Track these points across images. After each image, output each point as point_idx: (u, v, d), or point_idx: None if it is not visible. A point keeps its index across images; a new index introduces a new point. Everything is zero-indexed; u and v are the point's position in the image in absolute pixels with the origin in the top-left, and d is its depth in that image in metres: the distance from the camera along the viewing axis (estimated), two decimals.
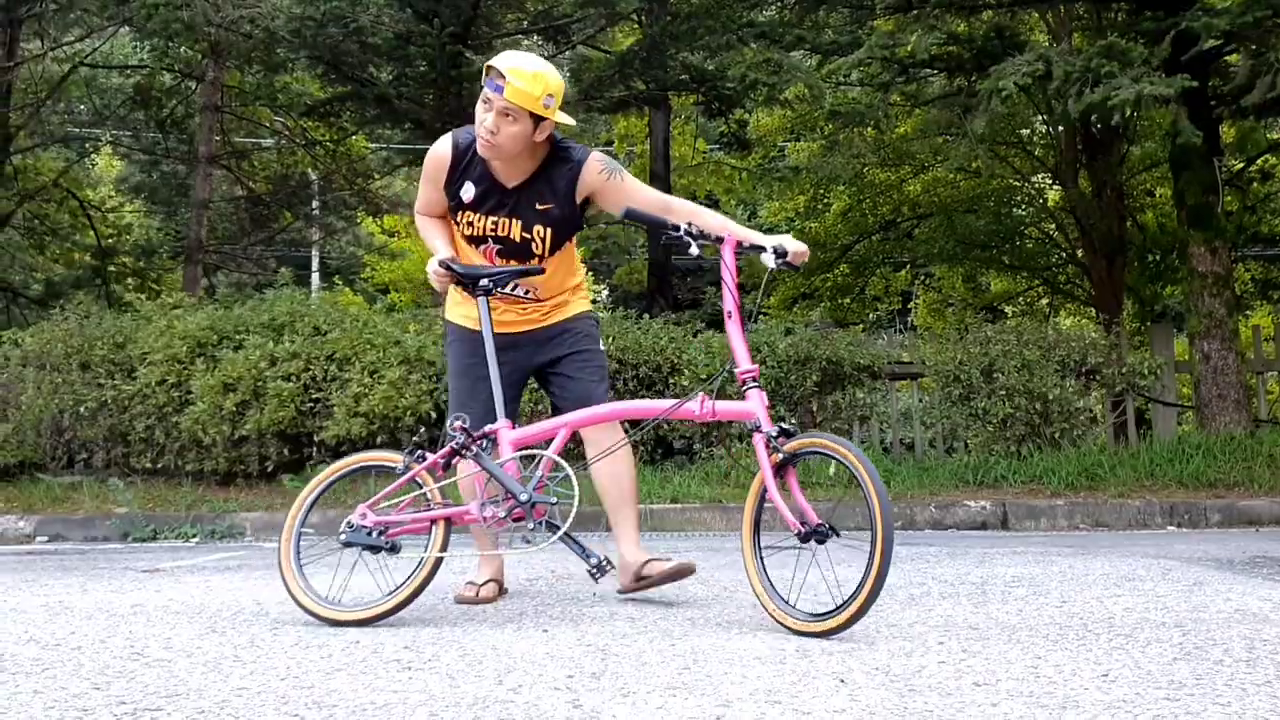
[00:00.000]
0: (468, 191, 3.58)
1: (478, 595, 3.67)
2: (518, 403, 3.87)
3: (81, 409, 8.45)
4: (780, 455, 3.10)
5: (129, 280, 17.87)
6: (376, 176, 17.63)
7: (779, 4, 11.47)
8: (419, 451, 3.39)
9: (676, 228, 3.33)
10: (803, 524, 3.10)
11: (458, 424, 3.32)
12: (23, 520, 7.36)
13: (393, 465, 3.43)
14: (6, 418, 8.63)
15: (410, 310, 10.67)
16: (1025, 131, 15.05)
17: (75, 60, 15.17)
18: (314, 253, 24.80)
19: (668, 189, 15.37)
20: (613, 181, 3.59)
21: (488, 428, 3.35)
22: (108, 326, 8.87)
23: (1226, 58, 9.62)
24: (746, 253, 3.44)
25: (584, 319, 3.87)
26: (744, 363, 3.21)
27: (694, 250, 3.33)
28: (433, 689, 2.35)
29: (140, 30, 11.51)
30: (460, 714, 2.12)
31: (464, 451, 3.32)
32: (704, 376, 8.22)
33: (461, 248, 3.70)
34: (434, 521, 3.32)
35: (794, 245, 3.43)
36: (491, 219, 3.59)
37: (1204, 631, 2.94)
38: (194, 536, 7.15)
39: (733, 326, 3.27)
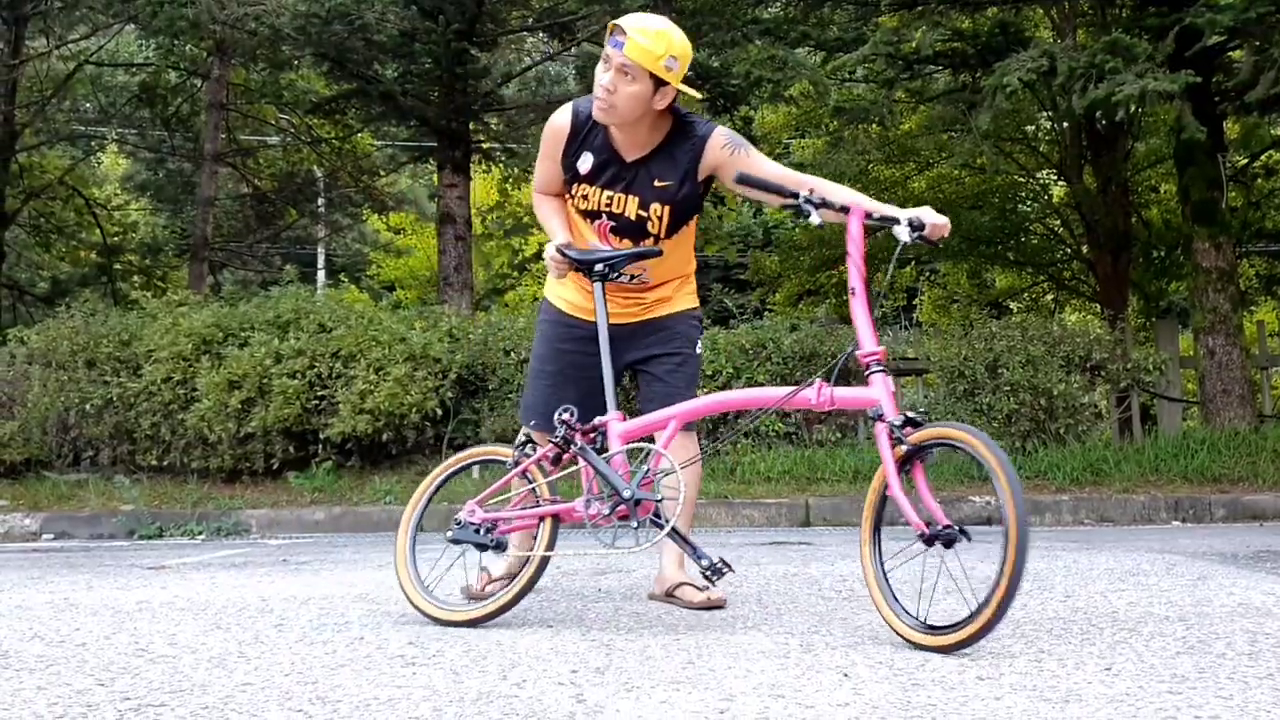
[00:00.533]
0: (585, 162, 3.39)
1: (484, 589, 3.53)
2: (599, 396, 3.52)
3: (87, 406, 8.47)
4: (905, 447, 2.83)
5: (135, 278, 17.92)
6: (382, 174, 17.66)
7: (784, 1, 11.46)
8: (529, 445, 3.30)
9: (795, 194, 3.07)
10: (928, 524, 2.80)
11: (565, 415, 3.19)
12: (29, 518, 7.39)
13: (503, 459, 3.35)
14: (13, 415, 8.65)
15: (416, 307, 10.68)
16: (1030, 128, 15.03)
17: (80, 58, 15.20)
18: (319, 250, 24.84)
19: None
20: (737, 156, 3.35)
21: (597, 420, 3.20)
22: (113, 324, 8.89)
23: (1230, 54, 9.60)
24: (878, 225, 3.16)
25: (686, 319, 3.64)
26: (868, 344, 2.94)
27: (815, 220, 3.07)
28: (436, 684, 2.35)
29: (145, 28, 11.55)
30: (464, 709, 2.12)
31: (570, 445, 3.19)
32: (709, 375, 8.22)
33: (576, 223, 3.51)
34: (541, 519, 3.19)
35: (932, 218, 3.13)
36: (607, 193, 3.40)
37: (1207, 625, 2.94)
38: (200, 533, 7.18)
39: (857, 304, 2.98)
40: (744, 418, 8.51)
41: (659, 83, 3.21)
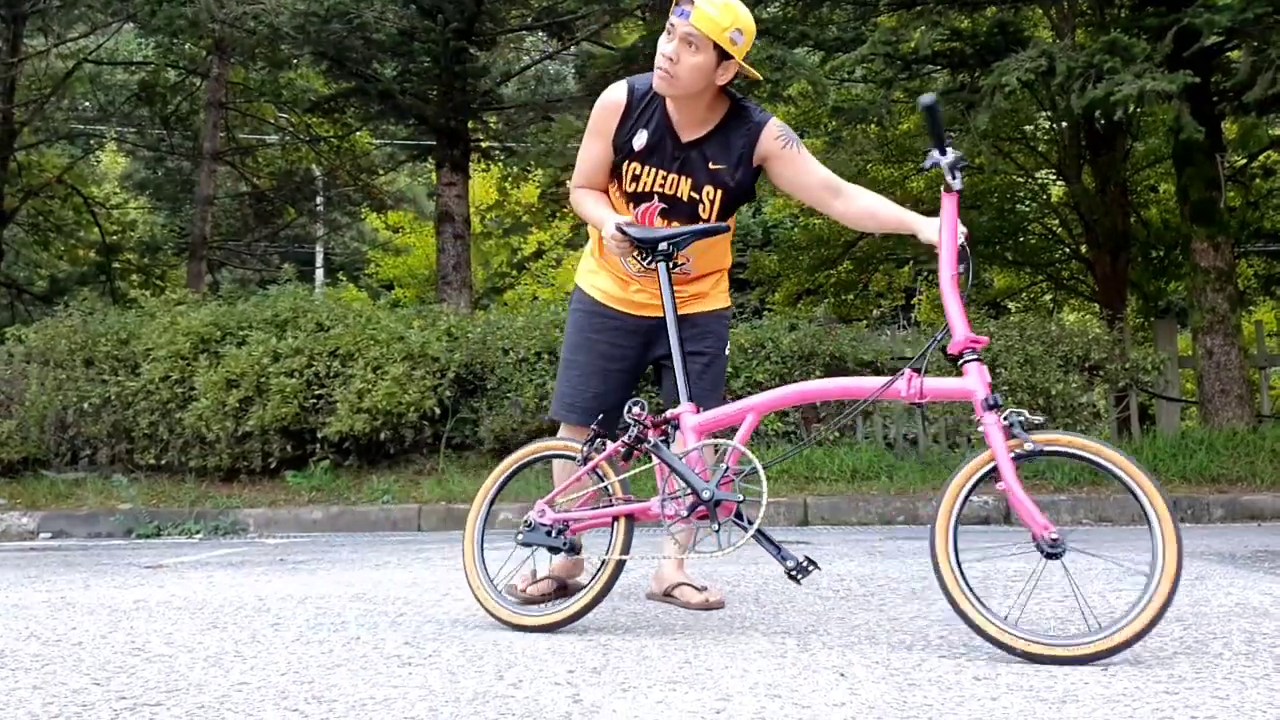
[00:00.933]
0: (640, 139, 3.27)
1: (525, 590, 3.44)
2: (628, 391, 3.51)
3: (85, 405, 8.47)
4: (1029, 445, 2.62)
5: (133, 276, 17.91)
6: (380, 172, 17.65)
7: (783, 0, 11.45)
8: (599, 439, 3.12)
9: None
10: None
11: (636, 410, 3.07)
12: (26, 516, 7.38)
13: (572, 455, 3.20)
14: (11, 414, 8.64)
15: (414, 306, 10.68)
16: (1028, 127, 15.03)
17: (79, 57, 15.18)
18: (318, 249, 24.84)
19: None
20: (788, 151, 3.27)
21: (669, 412, 3.08)
22: (112, 323, 8.88)
23: (1228, 54, 9.60)
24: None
25: (718, 318, 3.57)
26: (960, 330, 2.77)
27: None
28: (432, 684, 2.35)
29: (144, 26, 11.55)
30: (460, 709, 2.12)
31: (643, 441, 3.05)
32: None
33: (619, 209, 3.39)
34: (615, 518, 3.05)
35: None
36: (661, 173, 3.29)
37: (1204, 625, 2.94)
38: (197, 533, 7.17)
39: (949, 288, 2.82)
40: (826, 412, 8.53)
41: (722, 55, 3.12)
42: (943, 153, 2.82)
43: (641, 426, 3.06)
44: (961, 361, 2.75)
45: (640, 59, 11.69)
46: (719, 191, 3.28)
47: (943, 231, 2.88)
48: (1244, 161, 14.43)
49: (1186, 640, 2.74)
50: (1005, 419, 2.63)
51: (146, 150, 17.87)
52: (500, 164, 15.53)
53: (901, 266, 18.18)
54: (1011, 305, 18.37)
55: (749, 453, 2.91)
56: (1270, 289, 19.01)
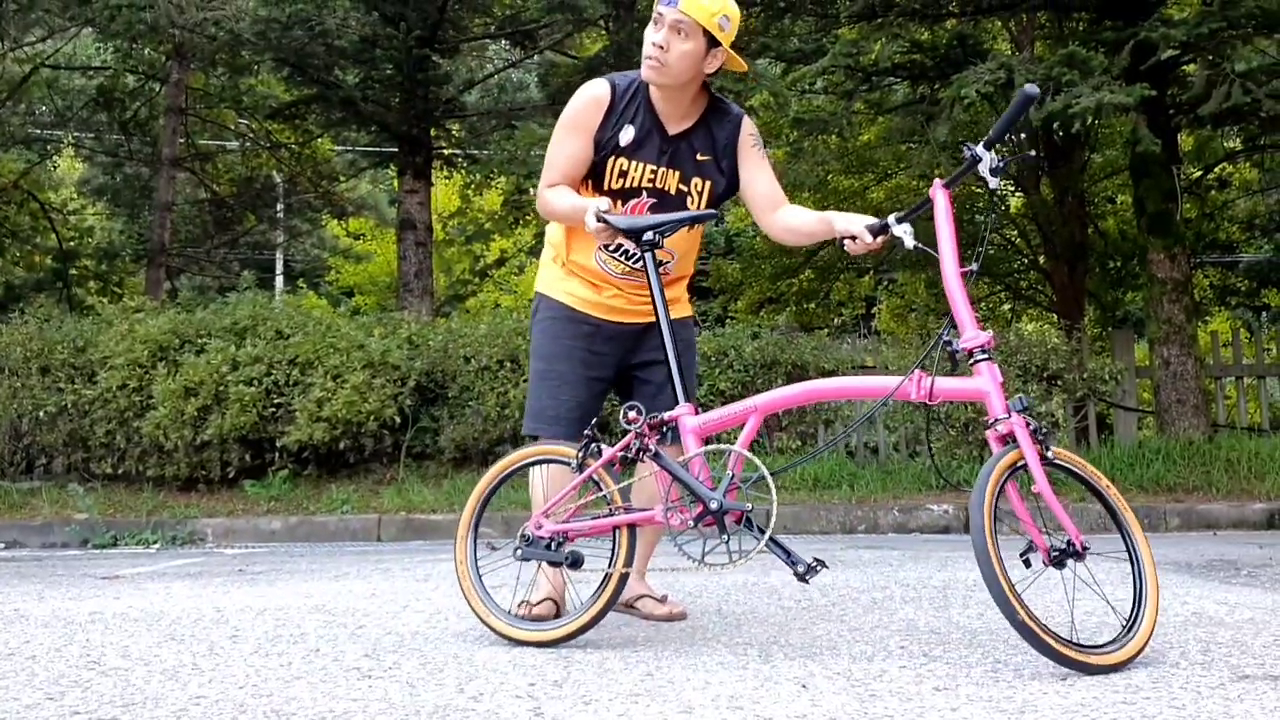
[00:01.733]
0: (626, 134, 3.21)
1: (530, 615, 3.17)
2: (602, 404, 3.42)
3: (41, 414, 8.36)
4: (1049, 455, 2.59)
5: (90, 283, 17.76)
6: (342, 179, 17.58)
7: (745, 12, 11.49)
8: (594, 444, 2.98)
9: (885, 226, 2.96)
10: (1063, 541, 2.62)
11: (632, 414, 2.92)
12: None
13: (567, 460, 3.04)
14: None
15: (375, 314, 10.63)
16: None
17: (37, 61, 15.04)
18: (278, 256, 24.68)
19: None
20: (755, 152, 3.31)
21: (667, 414, 2.95)
22: (68, 330, 8.78)
23: (1184, 67, 9.73)
24: (965, 171, 2.94)
25: (687, 325, 3.49)
26: (969, 327, 2.69)
27: (909, 243, 2.92)
28: (392, 697, 2.34)
29: (103, 31, 11.43)
30: None
31: (644, 448, 2.92)
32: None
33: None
34: (616, 528, 2.95)
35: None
36: (649, 167, 3.22)
37: (1161, 635, 2.96)
38: (155, 543, 7.10)
39: (954, 284, 2.73)
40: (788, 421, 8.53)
41: (711, 43, 3.11)
42: (989, 148, 2.79)
43: (639, 432, 2.93)
44: (973, 361, 2.68)
45: (603, 69, 11.71)
46: (707, 183, 3.27)
47: (940, 228, 2.83)
48: (1199, 174, 14.62)
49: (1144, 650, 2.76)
50: (1029, 424, 2.59)
51: (105, 156, 17.71)
52: (463, 171, 15.49)
53: (862, 276, 18.28)
54: None
55: (755, 459, 2.83)
56: (1225, 300, 19.26)
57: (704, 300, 19.43)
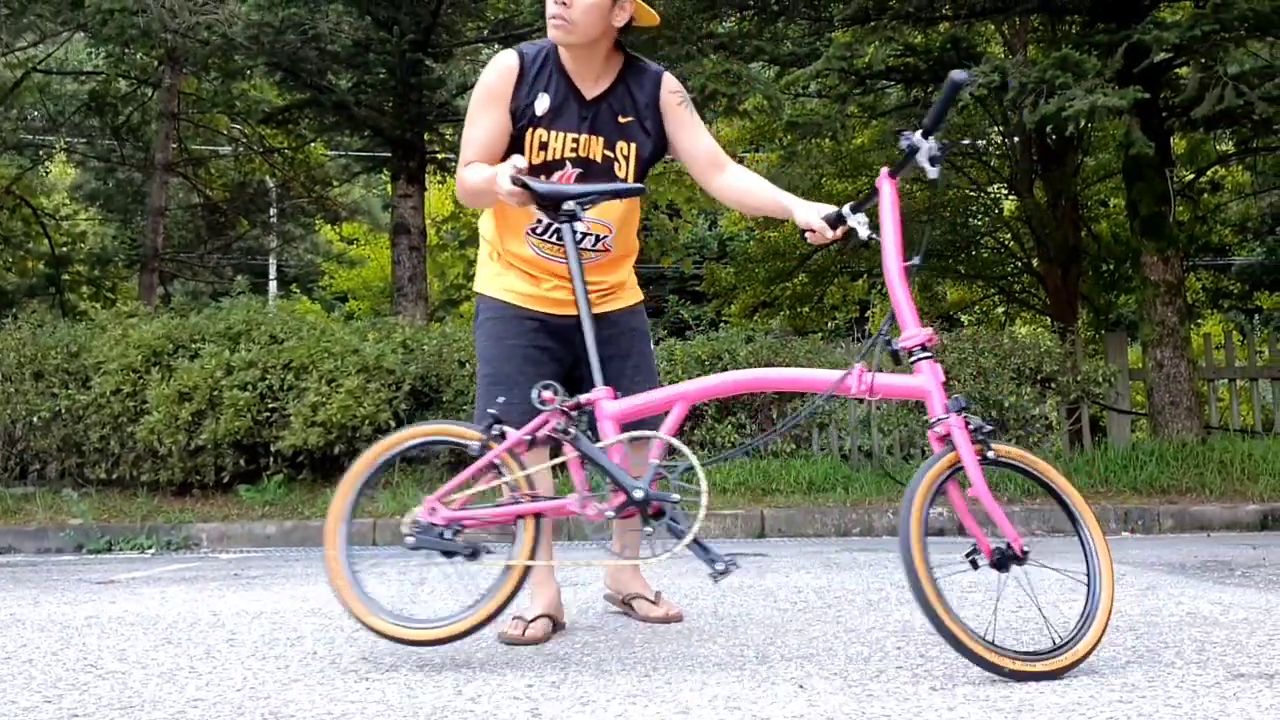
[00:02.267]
0: (541, 103, 3.07)
1: (524, 634, 3.03)
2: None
3: (35, 419, 8.35)
4: (990, 453, 2.52)
5: (83, 289, 17.74)
6: (335, 184, 17.57)
7: (738, 15, 11.51)
8: (499, 427, 2.74)
9: (841, 216, 2.89)
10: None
11: (547, 394, 2.71)
12: None
13: (465, 443, 2.76)
14: None
15: (369, 318, 10.62)
16: (981, 142, 15.19)
17: (29, 66, 15.02)
18: (271, 260, 24.67)
19: None
20: (682, 110, 3.20)
21: (583, 397, 2.74)
22: (62, 335, 8.77)
23: (1177, 70, 9.75)
24: (905, 162, 2.77)
25: (639, 313, 3.40)
26: (911, 325, 2.60)
27: (864, 233, 2.79)
28: (390, 699, 2.34)
29: (95, 36, 11.43)
30: None
31: (565, 431, 2.70)
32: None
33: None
34: (520, 517, 2.71)
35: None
36: (570, 136, 3.09)
37: (1156, 635, 2.97)
38: (149, 548, 7.09)
39: (898, 280, 2.64)
40: (778, 411, 8.53)
41: None
42: (927, 136, 2.66)
43: (557, 413, 2.72)
44: (913, 359, 2.60)
45: None
46: (633, 146, 3.15)
47: (884, 219, 2.70)
48: (1192, 176, 14.66)
49: (1139, 649, 2.77)
50: (969, 423, 2.53)
51: (97, 161, 17.69)
52: (456, 176, 15.48)
53: (856, 279, 18.30)
54: (964, 318, 18.54)
55: (683, 446, 2.64)
56: (1218, 302, 19.32)
57: (697, 305, 19.45)
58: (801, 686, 2.39)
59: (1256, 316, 19.08)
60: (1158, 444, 8.83)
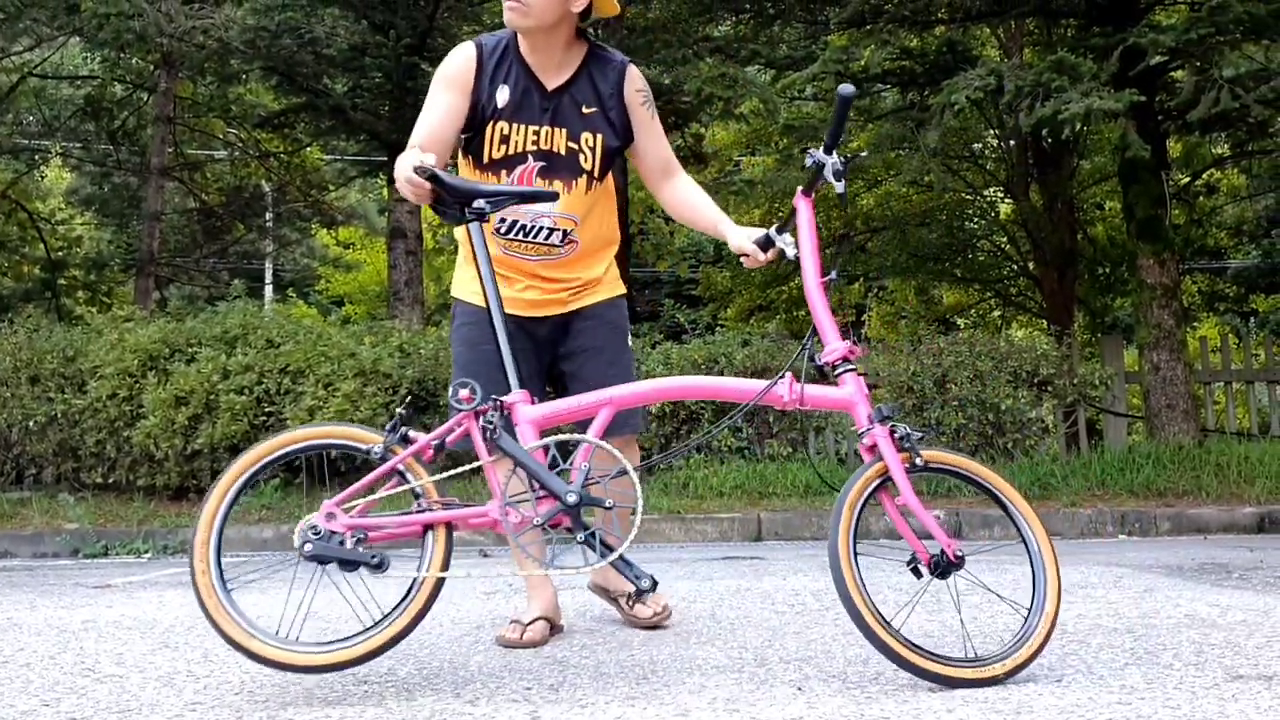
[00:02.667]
0: (502, 95, 3.00)
1: (521, 637, 3.00)
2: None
3: (30, 423, 8.33)
4: (918, 460, 2.53)
5: (79, 293, 17.72)
6: (331, 188, 17.56)
7: (735, 19, 11.53)
8: (403, 429, 2.55)
9: (769, 238, 2.92)
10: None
11: (464, 393, 2.53)
12: None
13: (363, 447, 2.54)
14: None
15: (365, 322, 10.61)
16: (977, 145, 15.21)
17: (24, 70, 15.02)
18: (268, 265, 24.66)
19: (625, 202, 15.41)
20: (645, 111, 3.12)
21: (500, 399, 2.57)
22: (58, 340, 8.75)
23: (1172, 73, 9.77)
24: (814, 179, 2.75)
25: (616, 306, 3.30)
26: (833, 339, 2.62)
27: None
28: (389, 703, 2.33)
29: (91, 40, 11.42)
30: None
31: (487, 430, 2.52)
32: None
33: (484, 180, 3.04)
34: (429, 527, 2.49)
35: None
36: (532, 129, 3.01)
37: (1154, 636, 2.97)
38: (146, 552, 7.07)
39: (817, 295, 2.67)
40: (779, 426, 8.53)
41: None
42: (828, 152, 2.69)
43: (470, 415, 2.55)
44: (837, 372, 2.61)
45: None
46: (598, 137, 3.07)
47: (802, 238, 2.74)
48: (1188, 180, 14.69)
49: (1137, 651, 2.77)
50: (895, 431, 2.54)
51: (93, 165, 17.68)
52: None
53: (852, 283, 18.32)
54: (961, 321, 18.57)
55: (615, 451, 2.49)
56: (1214, 305, 19.35)
57: (693, 308, 19.45)
58: (800, 689, 2.39)
59: (1252, 319, 19.12)
60: (1154, 447, 8.83)
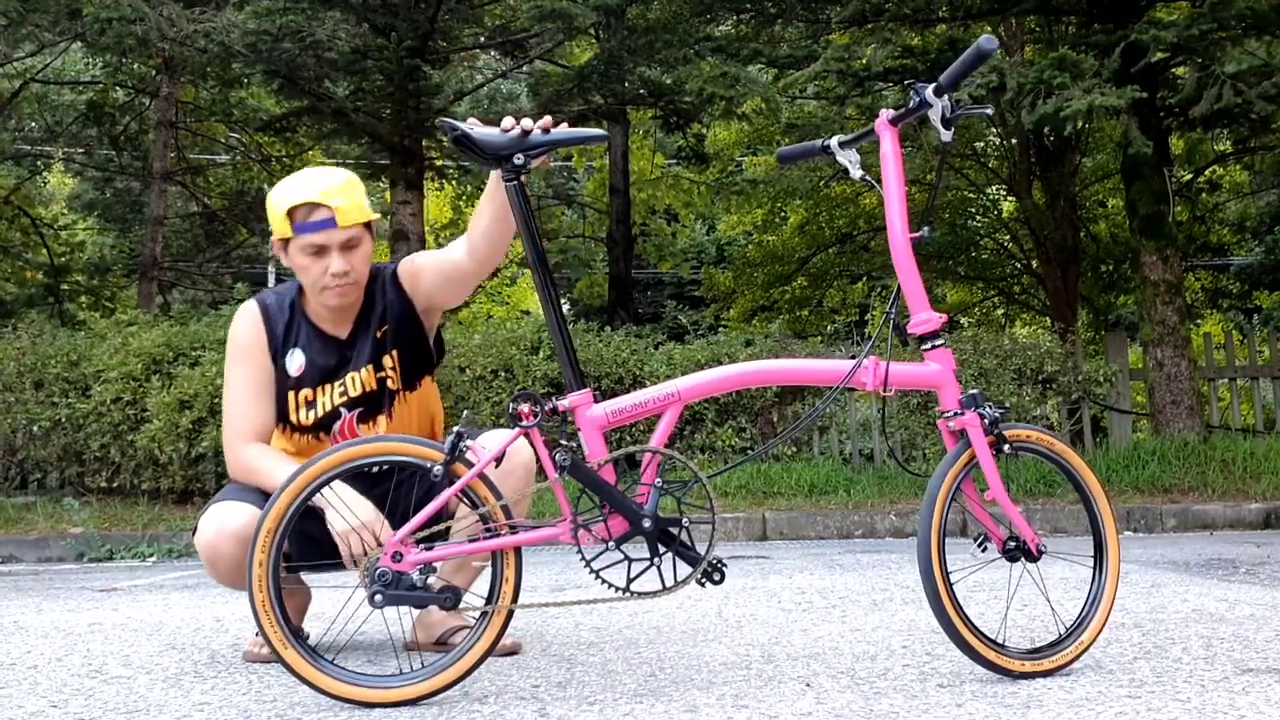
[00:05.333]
0: (294, 362, 2.86)
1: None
2: None
3: (35, 428, 8.34)
4: (1007, 447, 2.45)
5: (83, 298, 17.71)
6: None
7: (736, 18, 11.53)
8: (463, 445, 2.31)
9: (826, 148, 2.66)
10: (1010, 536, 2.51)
11: (524, 407, 2.31)
12: None
13: (426, 464, 2.31)
14: None
15: None
16: (979, 144, 15.20)
17: (26, 76, 15.02)
18: (270, 269, 24.67)
19: (627, 203, 15.45)
20: (419, 262, 2.90)
21: (559, 403, 2.34)
22: (61, 344, 8.76)
23: (1174, 69, 9.76)
24: (910, 114, 2.49)
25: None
26: (922, 307, 2.41)
27: (856, 173, 2.57)
28: None
29: (93, 46, 11.41)
30: None
31: (559, 454, 2.28)
32: None
33: (290, 451, 2.89)
34: (500, 552, 2.32)
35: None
36: (338, 385, 2.86)
37: (1163, 631, 2.97)
38: (151, 555, 7.07)
39: (902, 247, 2.41)
40: (784, 426, 8.52)
41: (368, 227, 2.83)
42: (940, 94, 2.40)
43: (536, 430, 2.35)
44: (926, 347, 2.45)
45: (594, 77, 11.74)
46: (395, 353, 2.89)
47: (887, 174, 2.43)
48: (1190, 176, 14.67)
49: (1146, 645, 2.76)
50: (983, 414, 2.42)
51: (95, 170, 17.69)
52: (454, 182, 15.51)
53: (855, 282, 18.31)
54: (964, 320, 18.55)
55: (689, 462, 2.35)
56: (1217, 302, 19.33)
57: (696, 309, 19.47)
58: (808, 685, 2.38)
59: (1256, 316, 19.10)
60: (1159, 443, 8.83)
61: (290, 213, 2.72)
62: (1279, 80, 7.84)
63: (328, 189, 2.73)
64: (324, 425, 2.86)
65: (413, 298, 2.90)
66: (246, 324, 2.90)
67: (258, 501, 2.75)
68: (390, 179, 12.45)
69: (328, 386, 2.86)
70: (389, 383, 2.88)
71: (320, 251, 2.74)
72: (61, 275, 17.14)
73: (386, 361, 2.87)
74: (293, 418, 2.86)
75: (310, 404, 2.86)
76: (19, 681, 2.65)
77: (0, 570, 6.57)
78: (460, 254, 2.77)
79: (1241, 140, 12.51)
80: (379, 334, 2.88)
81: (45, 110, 16.21)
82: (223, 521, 2.76)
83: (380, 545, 2.44)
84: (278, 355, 2.87)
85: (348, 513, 2.54)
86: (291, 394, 2.86)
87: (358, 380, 2.86)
